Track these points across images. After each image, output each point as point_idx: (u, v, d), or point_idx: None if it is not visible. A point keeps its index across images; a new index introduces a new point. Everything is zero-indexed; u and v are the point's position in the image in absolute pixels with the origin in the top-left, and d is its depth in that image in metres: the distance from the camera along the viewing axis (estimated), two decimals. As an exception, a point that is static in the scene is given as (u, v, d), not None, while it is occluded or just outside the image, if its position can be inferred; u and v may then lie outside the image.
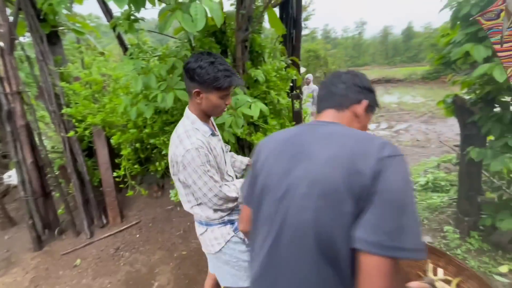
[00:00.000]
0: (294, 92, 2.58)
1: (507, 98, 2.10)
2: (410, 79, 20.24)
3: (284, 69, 2.49)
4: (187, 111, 1.15)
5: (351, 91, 0.80)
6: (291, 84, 2.68)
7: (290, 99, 2.51)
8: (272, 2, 2.13)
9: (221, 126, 1.81)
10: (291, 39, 2.91)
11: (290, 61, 2.66)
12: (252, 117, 1.87)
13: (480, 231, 2.30)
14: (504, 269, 2.00)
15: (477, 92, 2.28)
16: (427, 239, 2.43)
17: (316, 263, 0.63)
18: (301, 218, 0.64)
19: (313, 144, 0.71)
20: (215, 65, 1.03)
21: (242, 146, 2.62)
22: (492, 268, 1.99)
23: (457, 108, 2.34)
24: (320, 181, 0.63)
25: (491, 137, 2.15)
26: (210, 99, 1.09)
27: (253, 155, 0.87)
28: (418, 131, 6.93)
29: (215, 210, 1.19)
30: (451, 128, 6.67)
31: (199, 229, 1.29)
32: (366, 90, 0.82)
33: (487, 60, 1.67)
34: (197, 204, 1.20)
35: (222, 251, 1.24)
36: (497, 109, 2.14)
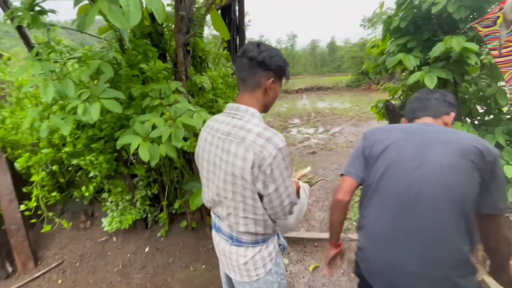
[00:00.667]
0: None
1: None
2: (337, 87, 22.63)
3: (230, 76, 2.37)
4: (249, 109, 0.96)
5: (443, 105, 1.09)
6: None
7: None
8: (214, 5, 1.99)
9: (157, 139, 1.56)
10: (235, 45, 2.82)
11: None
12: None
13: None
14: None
15: (402, 98, 2.56)
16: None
17: (457, 217, 0.88)
18: (445, 183, 0.88)
19: (437, 134, 0.97)
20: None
21: (189, 160, 2.38)
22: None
23: (389, 112, 2.58)
24: (457, 157, 0.89)
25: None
26: (276, 90, 1.02)
27: (364, 140, 1.10)
28: (350, 133, 7.66)
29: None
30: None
31: (248, 252, 1.04)
32: (453, 105, 1.11)
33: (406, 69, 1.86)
34: (263, 220, 1.00)
35: (271, 269, 1.07)
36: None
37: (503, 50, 1.40)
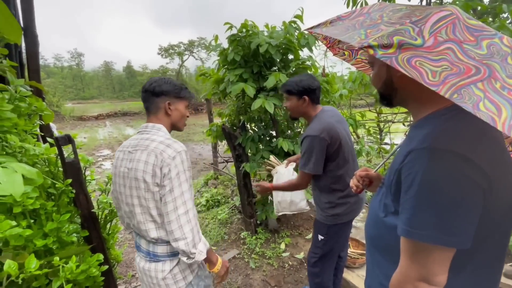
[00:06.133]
0: (56, 132, 1.68)
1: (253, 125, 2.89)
2: (145, 112, 21.91)
3: (25, 99, 1.54)
4: (155, 125, 1.11)
5: None
6: (40, 122, 1.72)
7: (47, 145, 1.60)
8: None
9: None
10: (18, 53, 1.88)
11: (30, 88, 1.69)
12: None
13: (263, 226, 2.96)
14: (282, 245, 2.72)
15: (234, 121, 2.91)
16: (233, 252, 2.68)
17: None
18: None
19: None
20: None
21: None
22: (279, 249, 2.63)
23: (226, 134, 2.82)
24: None
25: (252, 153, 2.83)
26: (178, 109, 1.16)
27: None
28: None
29: None
30: (197, 151, 8.06)
31: (166, 266, 1.06)
32: None
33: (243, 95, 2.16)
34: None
35: (192, 282, 1.11)
36: (250, 132, 2.87)
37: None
